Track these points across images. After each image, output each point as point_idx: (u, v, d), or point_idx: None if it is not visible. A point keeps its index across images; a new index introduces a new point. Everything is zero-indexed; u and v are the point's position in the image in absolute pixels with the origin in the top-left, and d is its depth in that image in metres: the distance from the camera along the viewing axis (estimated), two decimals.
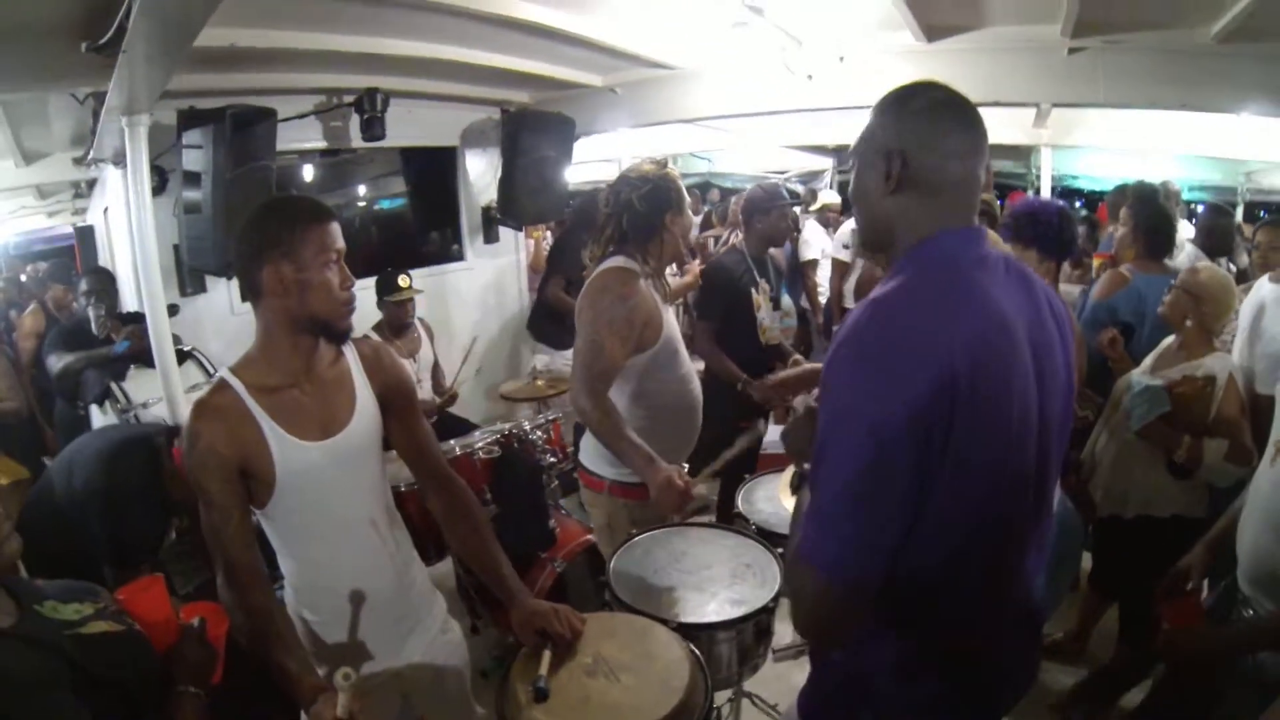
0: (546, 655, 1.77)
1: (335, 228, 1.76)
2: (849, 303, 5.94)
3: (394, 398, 1.99)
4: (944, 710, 1.37)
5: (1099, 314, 3.63)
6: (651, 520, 2.59)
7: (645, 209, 2.57)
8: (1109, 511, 3.06)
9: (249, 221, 1.78)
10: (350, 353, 1.94)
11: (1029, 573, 1.45)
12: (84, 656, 1.33)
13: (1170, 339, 3.08)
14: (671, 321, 2.72)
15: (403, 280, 4.37)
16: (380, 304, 4.36)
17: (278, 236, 1.71)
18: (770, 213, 4.02)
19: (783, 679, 3.07)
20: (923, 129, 1.30)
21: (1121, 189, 5.43)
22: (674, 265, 5.83)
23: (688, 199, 2.70)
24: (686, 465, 2.76)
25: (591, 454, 2.79)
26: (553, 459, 3.52)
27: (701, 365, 4.12)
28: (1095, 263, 4.57)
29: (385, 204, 6.64)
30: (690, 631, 1.95)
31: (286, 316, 1.76)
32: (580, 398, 2.51)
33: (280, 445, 1.75)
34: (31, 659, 1.27)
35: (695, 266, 4.16)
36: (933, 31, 3.82)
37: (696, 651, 1.83)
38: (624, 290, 2.52)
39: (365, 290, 5.26)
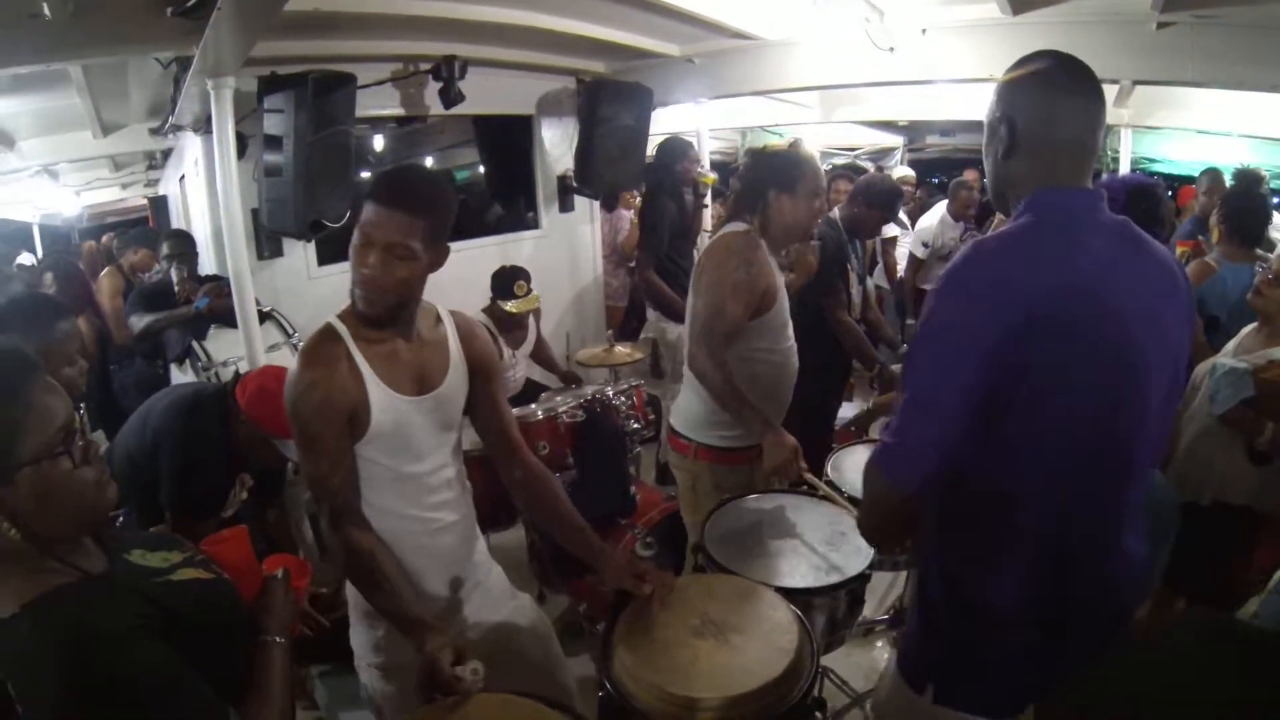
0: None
1: (381, 211, 1.74)
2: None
3: (482, 370, 2.05)
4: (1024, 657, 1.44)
5: None
6: (737, 487, 2.60)
7: (743, 183, 2.66)
8: (1185, 498, 2.94)
9: None
10: (448, 321, 2.02)
11: (1110, 538, 1.46)
12: (175, 603, 1.32)
13: (1253, 324, 2.98)
14: (785, 293, 2.74)
15: (520, 287, 4.02)
16: (493, 305, 4.06)
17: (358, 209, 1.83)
18: (888, 210, 4.13)
19: (851, 657, 3.05)
20: (1028, 97, 1.41)
21: (1209, 173, 5.24)
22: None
23: (814, 184, 2.65)
24: None
25: (681, 416, 2.81)
26: (636, 425, 3.50)
27: None
28: (1178, 250, 4.37)
29: (458, 174, 6.63)
30: (786, 595, 1.90)
31: None
32: (699, 358, 2.52)
33: (378, 394, 1.82)
34: (123, 605, 1.26)
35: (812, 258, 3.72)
36: (1019, 3, 3.70)
37: (801, 615, 1.79)
38: (749, 254, 2.55)
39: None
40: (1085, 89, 1.39)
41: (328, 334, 1.83)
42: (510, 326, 4.10)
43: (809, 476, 2.38)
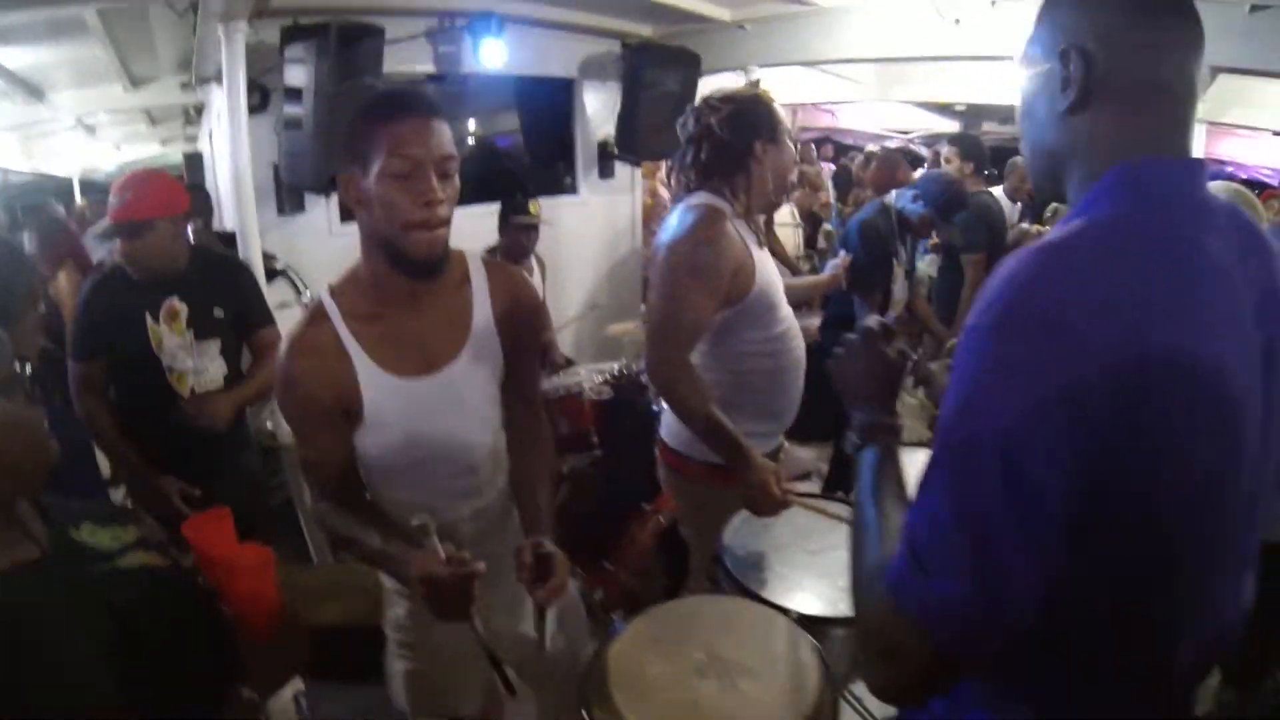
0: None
1: (420, 125, 1.42)
2: None
3: (518, 331, 1.71)
4: None
5: None
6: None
7: (729, 135, 2.11)
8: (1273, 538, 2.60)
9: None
10: (479, 275, 1.68)
11: (1211, 631, 1.00)
12: (119, 598, 1.12)
13: None
14: (769, 268, 2.23)
15: (533, 206, 3.98)
16: (503, 227, 3.96)
17: (353, 136, 1.47)
18: (941, 216, 3.73)
19: None
20: (1115, 16, 0.92)
21: None
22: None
23: (786, 126, 2.22)
24: (784, 441, 2.44)
25: (675, 428, 2.31)
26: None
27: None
28: None
29: (500, 140, 6.48)
30: (811, 624, 1.64)
31: (370, 234, 1.51)
32: (660, 367, 2.09)
33: (370, 380, 1.53)
34: (63, 602, 1.07)
35: (844, 262, 3.07)
36: None
37: (824, 655, 1.53)
38: (709, 232, 2.06)
39: (471, 219, 5.09)
40: (1187, 8, 0.93)
41: (315, 317, 1.56)
42: (520, 250, 3.95)
43: (799, 500, 2.01)
